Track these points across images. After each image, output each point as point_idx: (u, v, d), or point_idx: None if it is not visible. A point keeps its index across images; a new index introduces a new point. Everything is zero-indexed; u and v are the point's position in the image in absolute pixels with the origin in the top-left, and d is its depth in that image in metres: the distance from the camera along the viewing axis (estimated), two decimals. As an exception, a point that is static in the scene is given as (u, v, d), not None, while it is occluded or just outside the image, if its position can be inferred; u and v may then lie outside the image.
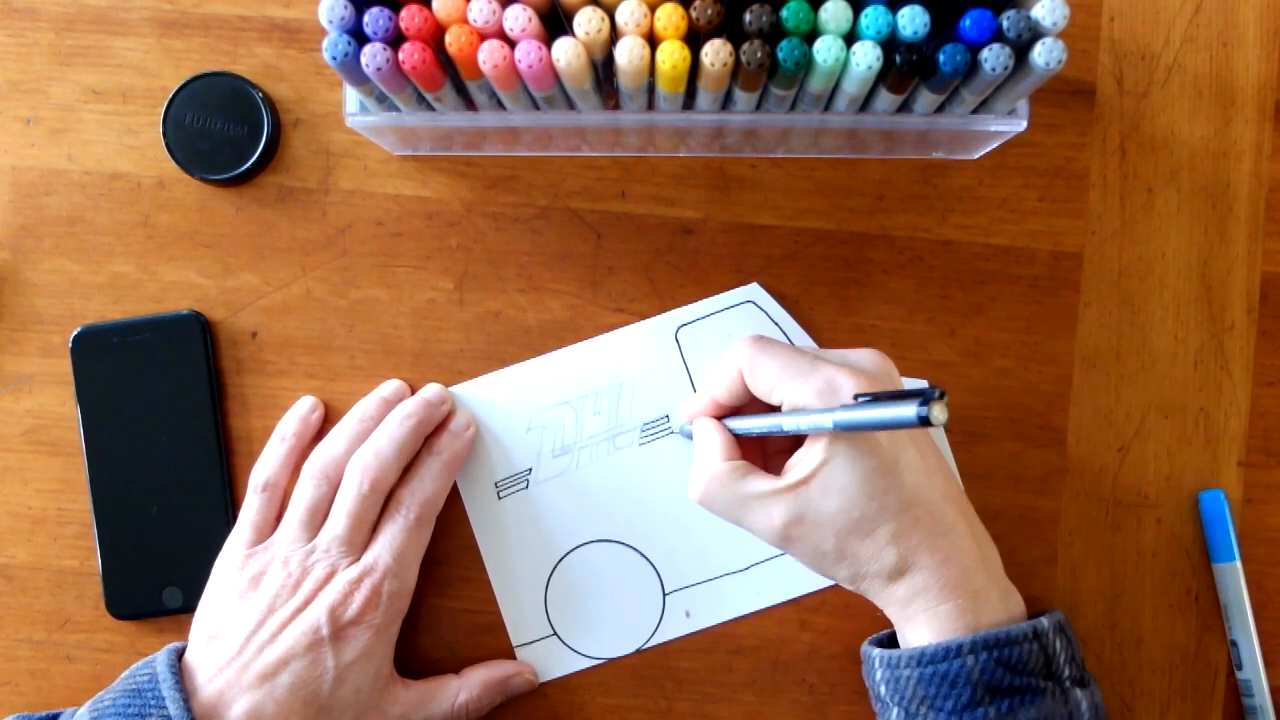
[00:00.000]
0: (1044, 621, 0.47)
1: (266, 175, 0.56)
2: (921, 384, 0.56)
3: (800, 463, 0.47)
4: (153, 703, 0.46)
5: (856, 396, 0.45)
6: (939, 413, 0.37)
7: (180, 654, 0.50)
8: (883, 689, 0.49)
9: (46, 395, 0.56)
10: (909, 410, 0.38)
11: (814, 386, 0.46)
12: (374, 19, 0.43)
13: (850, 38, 0.44)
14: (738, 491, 0.48)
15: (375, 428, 0.53)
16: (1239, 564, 0.55)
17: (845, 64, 0.44)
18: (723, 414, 0.51)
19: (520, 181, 0.56)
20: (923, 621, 0.47)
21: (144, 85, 0.56)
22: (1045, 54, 0.43)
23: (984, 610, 0.47)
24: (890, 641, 0.51)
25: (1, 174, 0.56)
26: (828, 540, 0.47)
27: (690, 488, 0.49)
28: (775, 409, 0.48)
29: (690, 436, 0.52)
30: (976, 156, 0.56)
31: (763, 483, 0.47)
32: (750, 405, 0.50)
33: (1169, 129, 0.56)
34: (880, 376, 0.48)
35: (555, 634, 0.56)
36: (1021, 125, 0.49)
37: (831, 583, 0.56)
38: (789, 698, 0.56)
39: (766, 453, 0.52)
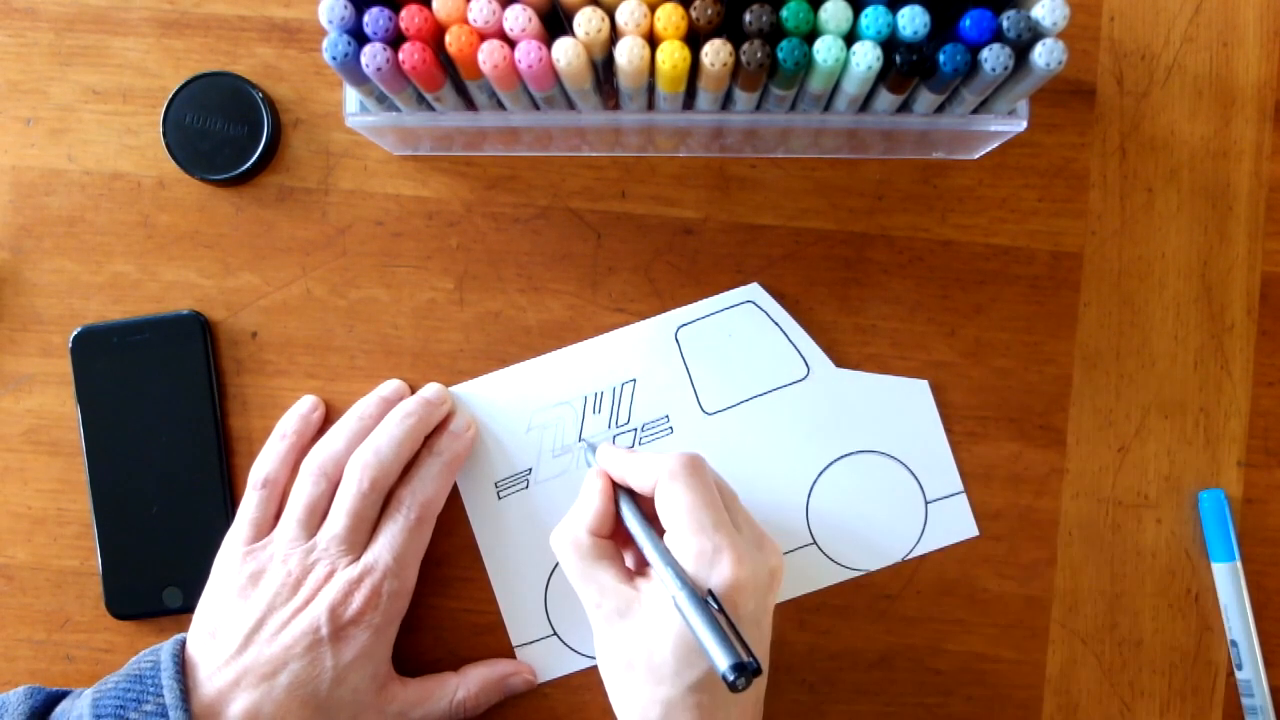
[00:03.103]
0: None
1: (266, 175, 0.56)
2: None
3: (656, 581, 0.47)
4: (151, 690, 0.47)
5: (711, 597, 0.44)
6: (741, 685, 0.41)
7: (185, 645, 0.50)
8: None
9: (46, 395, 0.56)
10: (723, 661, 0.41)
11: (699, 545, 0.46)
12: (374, 19, 0.43)
13: (850, 38, 0.44)
14: (586, 566, 0.48)
15: (374, 426, 0.53)
16: (1239, 564, 0.55)
17: (845, 64, 0.44)
18: (623, 487, 0.51)
19: (520, 181, 0.56)
20: None
21: (144, 85, 0.56)
22: (1045, 54, 0.43)
23: None
24: None
25: (1, 174, 0.56)
26: (623, 655, 0.47)
27: (553, 534, 0.49)
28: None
29: (589, 464, 0.53)
30: (976, 156, 0.56)
31: (608, 575, 0.48)
32: (648, 501, 0.50)
33: (1169, 129, 0.56)
34: (762, 577, 0.46)
35: (555, 634, 0.56)
36: (1021, 125, 0.49)
37: (831, 582, 0.56)
38: (788, 697, 0.56)
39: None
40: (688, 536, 0.46)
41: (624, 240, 0.56)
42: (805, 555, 0.56)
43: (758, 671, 0.41)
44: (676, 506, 0.47)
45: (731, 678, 0.41)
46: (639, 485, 0.49)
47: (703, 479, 0.48)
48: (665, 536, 0.47)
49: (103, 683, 0.48)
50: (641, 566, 0.50)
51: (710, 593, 0.45)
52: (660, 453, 0.49)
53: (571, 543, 0.49)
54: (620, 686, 0.47)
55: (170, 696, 0.46)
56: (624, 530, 0.50)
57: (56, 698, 0.49)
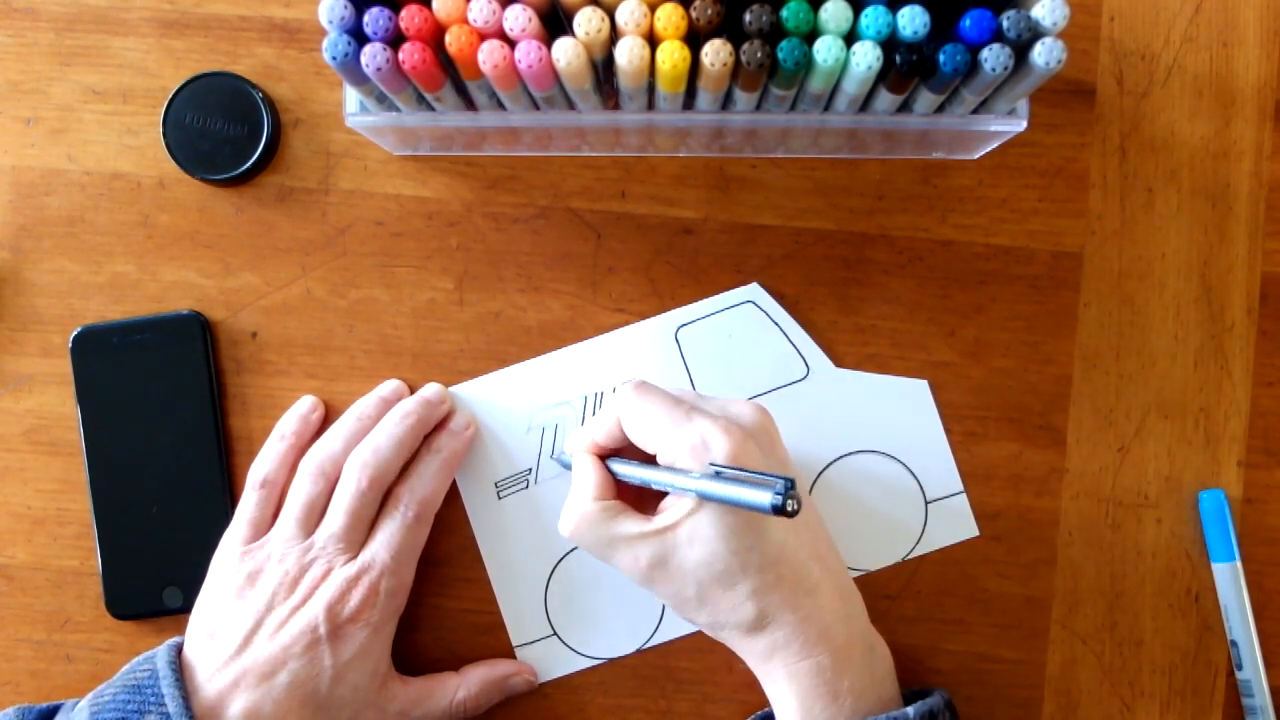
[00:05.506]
0: (934, 701, 0.48)
1: (266, 175, 0.56)
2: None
3: (670, 508, 0.47)
4: (152, 700, 0.46)
5: (714, 468, 0.45)
6: (792, 506, 0.40)
7: (180, 649, 0.50)
8: None
9: (46, 395, 0.56)
10: (764, 497, 0.40)
11: (687, 442, 0.46)
12: (374, 19, 0.43)
13: (850, 38, 0.44)
14: (605, 532, 0.48)
15: (373, 426, 0.53)
16: (1239, 564, 0.55)
17: (845, 64, 0.44)
18: (604, 454, 0.51)
19: (520, 181, 0.56)
20: (782, 678, 0.47)
21: (144, 85, 0.56)
22: (1045, 54, 0.43)
23: (845, 668, 0.47)
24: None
25: (1, 174, 0.56)
26: (689, 588, 0.47)
27: (561, 522, 0.49)
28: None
29: (568, 466, 0.53)
30: (976, 156, 0.56)
31: (630, 525, 0.48)
32: (629, 449, 0.50)
33: (1169, 129, 0.56)
34: (757, 433, 0.47)
35: (555, 634, 0.56)
36: (1021, 125, 0.49)
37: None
38: (789, 698, 0.56)
39: (643, 491, 0.51)
40: (671, 439, 0.46)
41: (624, 240, 0.56)
42: (805, 555, 0.56)
43: (792, 484, 0.40)
44: (645, 421, 0.47)
45: (780, 502, 0.40)
46: (610, 436, 0.50)
47: (654, 389, 0.49)
48: (657, 458, 0.48)
49: (97, 695, 0.48)
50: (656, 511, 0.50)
51: (717, 466, 0.45)
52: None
53: (581, 517, 0.49)
54: (708, 614, 0.47)
55: (173, 705, 0.46)
56: (628, 493, 0.50)
57: (48, 715, 0.49)
